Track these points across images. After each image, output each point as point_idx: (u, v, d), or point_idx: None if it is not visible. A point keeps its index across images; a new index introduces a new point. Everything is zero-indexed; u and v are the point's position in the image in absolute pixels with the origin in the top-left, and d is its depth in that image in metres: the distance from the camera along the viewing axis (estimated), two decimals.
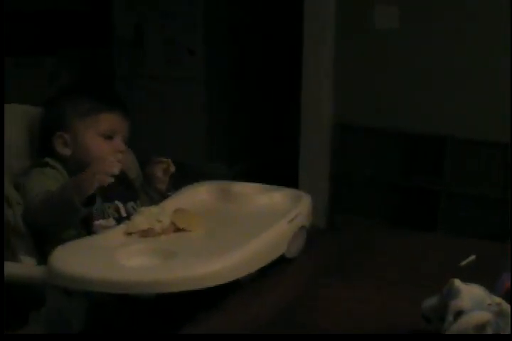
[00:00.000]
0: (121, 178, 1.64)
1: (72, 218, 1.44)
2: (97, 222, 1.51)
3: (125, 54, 4.42)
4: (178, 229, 1.42)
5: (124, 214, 1.56)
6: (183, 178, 1.69)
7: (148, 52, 4.34)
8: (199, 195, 1.63)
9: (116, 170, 1.41)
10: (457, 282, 1.07)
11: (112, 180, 1.41)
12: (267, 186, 1.67)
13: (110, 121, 1.59)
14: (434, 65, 2.92)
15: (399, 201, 3.13)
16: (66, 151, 1.58)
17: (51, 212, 1.42)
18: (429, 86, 2.95)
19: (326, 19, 3.08)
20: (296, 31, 3.18)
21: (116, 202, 1.57)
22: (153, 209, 1.45)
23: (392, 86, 3.04)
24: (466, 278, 1.08)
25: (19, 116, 1.65)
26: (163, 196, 1.64)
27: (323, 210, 3.11)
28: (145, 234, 1.38)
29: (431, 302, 1.11)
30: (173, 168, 1.66)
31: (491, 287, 1.09)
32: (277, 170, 3.32)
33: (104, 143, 1.58)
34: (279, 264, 1.40)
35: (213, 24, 4.17)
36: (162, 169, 1.65)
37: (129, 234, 1.39)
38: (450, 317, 1.03)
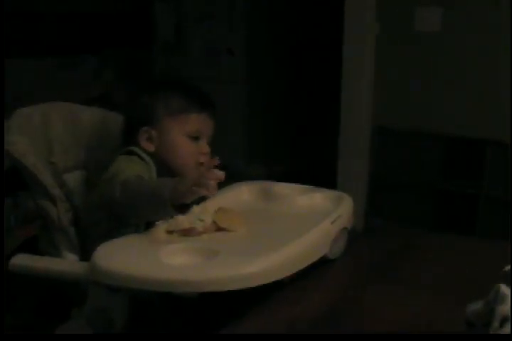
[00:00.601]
0: None
1: (156, 215, 1.39)
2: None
3: (166, 55, 4.44)
4: (219, 229, 1.41)
5: None
6: (224, 180, 1.69)
7: (189, 53, 4.35)
8: (240, 195, 1.63)
9: (215, 192, 1.35)
10: (503, 287, 1.05)
11: (214, 192, 1.35)
12: (308, 187, 1.66)
13: (199, 122, 1.56)
14: (474, 68, 2.89)
15: (437, 205, 3.09)
16: (150, 147, 1.54)
17: (140, 200, 1.36)
18: (470, 88, 2.91)
19: (366, 20, 3.06)
20: (338, 31, 3.16)
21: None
22: (195, 208, 1.45)
23: (432, 88, 3.01)
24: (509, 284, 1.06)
25: (63, 114, 1.65)
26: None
27: (361, 213, 3.09)
28: (187, 232, 1.38)
29: (475, 307, 1.09)
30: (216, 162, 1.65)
31: None
32: (316, 171, 3.31)
33: (190, 143, 1.55)
34: (321, 265, 1.39)
35: (254, 24, 4.17)
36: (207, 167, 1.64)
37: (171, 232, 1.39)
38: (496, 323, 1.01)
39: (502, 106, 2.82)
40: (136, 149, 1.54)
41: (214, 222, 1.42)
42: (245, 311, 1.23)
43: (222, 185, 1.66)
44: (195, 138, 1.55)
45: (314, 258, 1.35)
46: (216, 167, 1.63)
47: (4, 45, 2.75)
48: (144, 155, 1.53)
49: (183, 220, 1.39)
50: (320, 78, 4.34)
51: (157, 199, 1.33)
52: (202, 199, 1.61)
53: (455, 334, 0.97)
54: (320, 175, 2.80)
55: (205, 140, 1.58)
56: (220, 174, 1.32)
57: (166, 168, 1.53)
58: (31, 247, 1.54)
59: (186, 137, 1.55)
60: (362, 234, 2.62)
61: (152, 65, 4.47)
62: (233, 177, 1.68)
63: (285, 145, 4.40)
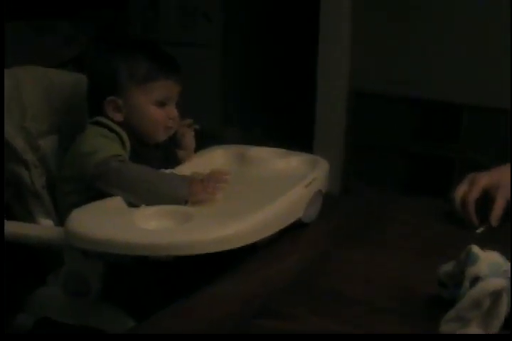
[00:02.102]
0: (165, 144, 1.64)
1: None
2: None
3: (140, 18, 4.38)
4: None
5: None
6: (198, 143, 1.69)
7: (163, 16, 4.30)
8: (216, 159, 1.63)
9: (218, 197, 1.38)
10: (475, 248, 1.06)
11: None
12: (284, 151, 1.66)
13: (166, 88, 1.54)
14: (451, 31, 2.88)
15: (414, 168, 3.11)
16: (118, 117, 1.52)
17: (140, 190, 1.36)
18: (446, 52, 2.91)
19: None
20: None
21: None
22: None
23: (409, 52, 3.00)
24: (482, 245, 1.07)
25: (36, 78, 1.62)
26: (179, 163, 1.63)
27: (337, 176, 3.10)
28: None
29: (447, 268, 1.10)
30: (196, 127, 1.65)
31: (507, 253, 1.08)
32: (292, 135, 3.30)
33: (158, 110, 1.53)
34: (296, 229, 1.39)
35: None
36: (192, 133, 1.64)
37: None
38: (466, 284, 1.02)
39: (480, 70, 2.82)
40: (104, 120, 1.51)
41: None
42: (221, 274, 1.23)
43: (197, 148, 1.66)
44: (163, 104, 1.54)
45: (288, 222, 1.35)
46: (192, 128, 1.64)
47: (4, 45, 2.71)
48: (113, 126, 1.50)
49: None
50: (297, 41, 4.31)
51: (173, 200, 1.33)
52: (177, 163, 1.61)
53: (455, 335, 0.98)
54: (296, 138, 2.80)
55: (173, 104, 1.56)
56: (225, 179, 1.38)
57: (134, 135, 1.52)
58: (6, 214, 1.53)
59: (154, 104, 1.53)
60: (338, 197, 2.64)
61: (127, 27, 4.42)
62: (209, 140, 1.68)
63: (262, 109, 4.39)
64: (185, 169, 1.50)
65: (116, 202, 1.34)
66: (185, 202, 1.34)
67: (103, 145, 1.44)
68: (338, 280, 1.23)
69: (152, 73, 1.52)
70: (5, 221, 1.41)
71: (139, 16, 4.39)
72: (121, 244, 1.19)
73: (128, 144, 1.49)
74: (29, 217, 1.49)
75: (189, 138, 1.64)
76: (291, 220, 1.37)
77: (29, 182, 1.48)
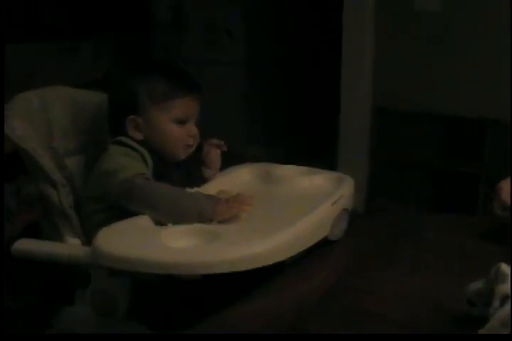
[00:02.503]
0: (189, 162, 1.64)
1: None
2: None
3: (163, 38, 4.41)
4: None
5: None
6: (222, 161, 1.69)
7: (187, 36, 4.33)
8: (242, 177, 1.63)
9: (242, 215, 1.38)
10: (504, 266, 1.05)
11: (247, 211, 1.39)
12: (309, 168, 1.66)
13: (185, 106, 1.54)
14: (474, 48, 2.87)
15: (438, 185, 3.09)
16: (138, 135, 1.53)
17: (174, 212, 1.36)
18: (470, 68, 2.90)
19: (365, 0, 3.05)
20: (337, 12, 3.14)
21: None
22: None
23: (432, 68, 3.00)
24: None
25: (63, 98, 1.64)
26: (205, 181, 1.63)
27: (361, 194, 3.09)
28: None
29: (476, 286, 1.10)
30: (224, 147, 1.65)
31: None
32: (315, 153, 3.31)
33: (177, 128, 1.53)
34: (322, 247, 1.39)
35: (253, 6, 4.14)
36: (217, 151, 1.65)
37: None
38: (496, 303, 1.02)
39: (502, 85, 2.81)
40: (125, 140, 1.52)
41: None
42: (248, 293, 1.23)
43: (222, 166, 1.67)
44: (183, 122, 1.54)
45: (315, 240, 1.35)
46: (221, 148, 1.64)
47: (4, 44, 2.75)
48: (135, 145, 1.51)
49: None
50: (320, 58, 4.32)
51: (198, 219, 1.34)
52: (203, 181, 1.62)
53: (456, 335, 0.97)
54: (320, 156, 2.81)
55: (192, 122, 1.57)
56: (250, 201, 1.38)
57: (155, 153, 1.53)
58: (34, 232, 1.55)
59: (173, 123, 1.53)
60: (363, 214, 2.63)
61: (150, 47, 4.45)
62: (233, 158, 1.69)
63: (285, 127, 4.39)
64: (211, 187, 1.51)
65: (143, 221, 1.35)
66: (210, 221, 1.34)
67: (126, 164, 1.45)
68: (366, 299, 1.22)
69: (170, 92, 1.53)
70: (33, 240, 1.43)
71: (161, 36, 4.42)
72: (148, 262, 1.19)
73: (150, 162, 1.49)
74: (57, 236, 1.50)
75: (214, 157, 1.65)
76: (318, 238, 1.37)
77: (57, 201, 1.49)
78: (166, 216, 1.35)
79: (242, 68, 4.19)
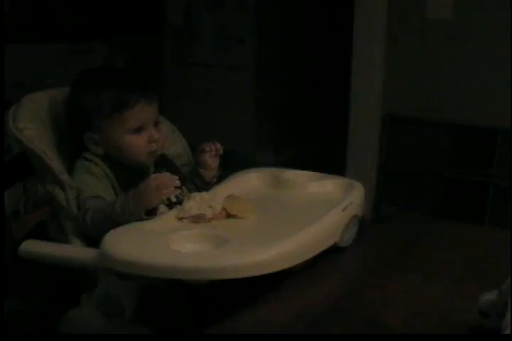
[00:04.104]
0: (167, 164, 1.63)
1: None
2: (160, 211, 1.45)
3: (174, 41, 4.41)
4: (229, 216, 1.40)
5: (173, 199, 1.53)
6: (231, 166, 1.67)
7: (198, 40, 4.32)
8: (250, 182, 1.61)
9: (177, 183, 1.36)
10: None
11: (175, 192, 1.39)
12: (319, 174, 1.64)
13: (138, 113, 1.51)
14: (485, 56, 2.85)
15: (447, 193, 3.07)
16: (99, 150, 1.53)
17: (108, 225, 1.34)
18: (481, 76, 2.88)
19: (376, 8, 3.03)
20: (347, 19, 3.13)
21: None
22: (205, 195, 1.44)
23: (443, 76, 2.98)
24: None
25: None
26: (208, 184, 1.62)
27: (370, 201, 3.07)
28: (196, 219, 1.37)
29: (489, 297, 1.07)
30: (220, 151, 1.63)
31: None
32: (324, 159, 3.29)
33: (136, 137, 1.51)
34: (332, 253, 1.37)
35: (265, 12, 4.13)
36: (210, 155, 1.62)
37: (180, 219, 1.37)
38: (508, 316, 0.99)
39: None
40: (88, 156, 1.53)
41: (224, 209, 1.40)
42: (256, 299, 1.21)
43: (231, 171, 1.65)
44: (140, 130, 1.52)
45: (325, 246, 1.33)
46: (219, 153, 1.62)
47: (4, 42, 2.76)
48: (96, 160, 1.52)
49: (192, 207, 1.38)
50: (330, 65, 4.31)
51: (126, 216, 1.35)
52: (205, 183, 1.60)
53: (456, 335, 0.96)
54: (329, 162, 2.79)
55: (151, 127, 1.54)
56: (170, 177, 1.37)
57: (121, 165, 1.52)
58: (41, 233, 1.53)
59: (130, 133, 1.51)
60: (372, 221, 2.61)
61: (162, 51, 4.44)
62: (242, 163, 1.67)
63: (294, 132, 4.38)
64: (219, 192, 1.49)
65: (151, 225, 1.33)
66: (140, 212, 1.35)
67: (86, 182, 1.47)
68: (375, 308, 1.21)
69: (118, 104, 1.50)
70: (40, 241, 1.41)
71: (172, 39, 4.42)
72: (155, 267, 1.18)
73: (111, 176, 1.50)
74: (64, 237, 1.48)
75: (208, 159, 1.62)
76: (328, 245, 1.35)
77: (64, 202, 1.47)
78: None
79: (252, 73, 4.18)
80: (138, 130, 1.51)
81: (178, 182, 1.37)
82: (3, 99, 1.50)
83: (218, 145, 1.62)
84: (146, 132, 1.53)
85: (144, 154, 1.54)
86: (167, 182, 1.36)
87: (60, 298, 1.59)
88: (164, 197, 1.45)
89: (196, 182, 1.64)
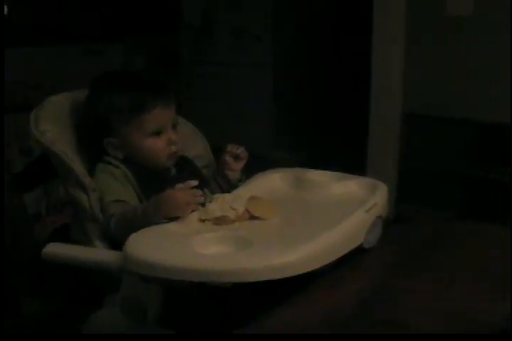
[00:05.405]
0: (187, 166, 1.63)
1: None
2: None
3: (193, 40, 4.41)
4: (252, 217, 1.39)
5: None
6: (250, 166, 1.67)
7: (216, 39, 4.32)
8: (273, 183, 1.60)
9: (202, 200, 1.37)
10: None
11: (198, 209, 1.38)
12: (342, 174, 1.63)
13: (156, 118, 1.51)
14: (507, 53, 2.83)
15: (469, 192, 3.05)
16: (119, 154, 1.54)
17: (132, 231, 1.33)
18: (503, 73, 2.85)
19: (396, 5, 3.01)
20: (366, 17, 3.12)
21: None
22: (228, 197, 1.43)
23: (463, 74, 2.96)
24: None
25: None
26: (232, 185, 1.62)
27: (390, 200, 3.04)
28: (219, 221, 1.37)
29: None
30: (244, 155, 1.63)
31: None
32: (344, 158, 3.28)
33: (154, 141, 1.52)
34: (356, 255, 1.36)
35: (282, 11, 4.12)
36: (233, 156, 1.62)
37: (203, 221, 1.37)
38: None
39: None
40: (108, 159, 1.53)
41: (247, 211, 1.40)
42: (280, 302, 1.21)
43: (252, 172, 1.65)
44: (159, 133, 1.52)
45: (349, 248, 1.32)
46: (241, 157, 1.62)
47: (4, 44, 2.78)
48: (118, 163, 1.52)
49: (215, 209, 1.38)
50: (349, 63, 4.29)
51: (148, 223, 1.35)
52: (229, 184, 1.60)
53: (457, 335, 0.95)
54: (348, 161, 2.77)
55: (169, 129, 1.54)
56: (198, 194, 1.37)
57: (141, 168, 1.53)
58: (63, 235, 1.53)
59: (149, 137, 1.52)
60: (393, 222, 2.60)
61: (180, 51, 4.45)
62: (259, 163, 1.66)
63: (312, 131, 4.37)
64: (242, 193, 1.48)
65: (174, 227, 1.33)
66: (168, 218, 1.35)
67: (109, 187, 1.48)
68: (400, 310, 1.20)
69: (136, 108, 1.50)
70: (64, 244, 1.42)
71: (191, 39, 4.42)
72: (179, 269, 1.17)
73: (132, 179, 1.50)
74: (86, 240, 1.48)
75: (228, 159, 1.63)
76: (352, 247, 1.34)
77: (87, 205, 1.48)
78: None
79: (270, 71, 4.17)
80: (157, 133, 1.52)
81: (202, 199, 1.37)
82: (3, 99, 1.50)
83: (240, 150, 1.62)
84: (165, 135, 1.53)
85: (164, 157, 1.54)
86: (191, 199, 1.36)
87: (83, 300, 1.59)
88: None
89: (219, 182, 1.64)
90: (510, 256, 1.34)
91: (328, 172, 1.63)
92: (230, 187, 1.61)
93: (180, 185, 1.38)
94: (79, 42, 4.26)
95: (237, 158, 1.63)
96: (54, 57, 4.05)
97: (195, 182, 1.38)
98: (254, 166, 1.68)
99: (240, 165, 1.64)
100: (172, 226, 1.34)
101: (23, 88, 2.93)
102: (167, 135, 1.53)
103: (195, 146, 1.76)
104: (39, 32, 4.14)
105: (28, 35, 4.00)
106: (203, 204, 1.39)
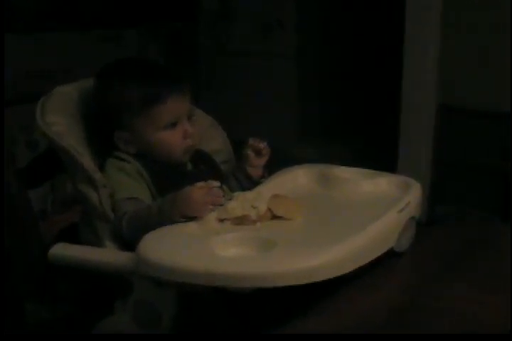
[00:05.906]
0: (204, 160, 1.62)
1: None
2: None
3: (211, 27, 4.41)
4: (275, 217, 1.38)
5: None
6: (272, 162, 1.65)
7: (235, 25, 4.31)
8: (297, 180, 1.59)
9: (223, 202, 1.35)
10: None
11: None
12: (371, 171, 1.61)
13: (170, 109, 1.49)
14: None
15: (506, 189, 3.02)
16: (130, 149, 1.52)
17: (147, 230, 1.32)
18: None
19: None
20: (399, 4, 3.09)
21: None
22: (248, 195, 1.42)
23: (499, 65, 2.92)
24: None
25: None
26: (254, 182, 1.60)
27: (424, 200, 3.02)
28: (239, 221, 1.35)
29: None
30: (267, 151, 1.61)
31: None
32: (373, 154, 3.25)
33: (169, 133, 1.50)
34: (388, 259, 1.34)
35: None
36: (255, 151, 1.61)
37: (222, 220, 1.36)
38: None
39: None
40: (119, 154, 1.52)
41: (269, 210, 1.38)
42: (305, 309, 1.20)
43: (274, 168, 1.63)
44: (174, 125, 1.51)
45: (380, 252, 1.31)
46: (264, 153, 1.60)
47: (4, 39, 2.78)
48: (130, 158, 1.51)
49: (235, 207, 1.36)
50: (378, 49, 4.26)
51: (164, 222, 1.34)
52: (250, 180, 1.58)
53: (458, 335, 0.93)
54: (378, 156, 2.76)
55: (185, 120, 1.52)
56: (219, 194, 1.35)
57: (155, 163, 1.51)
58: (71, 235, 1.52)
59: (163, 129, 1.50)
60: (427, 223, 2.57)
61: (198, 39, 4.45)
62: (283, 158, 1.65)
63: (339, 124, 4.34)
64: (264, 191, 1.47)
65: (192, 227, 1.32)
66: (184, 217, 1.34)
67: (121, 183, 1.46)
68: (434, 318, 1.18)
69: (147, 98, 1.48)
70: (72, 245, 1.41)
71: (209, 25, 4.42)
72: (197, 273, 1.16)
73: (146, 175, 1.48)
74: (96, 240, 1.47)
75: (250, 153, 1.61)
76: (383, 250, 1.32)
77: (97, 203, 1.46)
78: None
79: (293, 60, 4.15)
80: (171, 126, 1.50)
81: (223, 200, 1.36)
82: (4, 99, 1.49)
83: (262, 145, 1.60)
84: (180, 127, 1.52)
85: (179, 151, 1.53)
86: (211, 200, 1.34)
87: (93, 305, 1.58)
88: None
89: (239, 178, 1.62)
90: (510, 256, 1.31)
91: (356, 169, 1.61)
92: (250, 184, 1.60)
93: (201, 183, 1.36)
94: (92, 29, 4.27)
95: (259, 153, 1.61)
96: (67, 43, 4.07)
97: (217, 183, 1.36)
98: (278, 162, 1.66)
99: (262, 161, 1.62)
100: (189, 226, 1.32)
101: (32, 76, 2.94)
102: (183, 127, 1.52)
103: (214, 140, 1.75)
104: (52, 18, 4.15)
105: (40, 21, 4.01)
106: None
